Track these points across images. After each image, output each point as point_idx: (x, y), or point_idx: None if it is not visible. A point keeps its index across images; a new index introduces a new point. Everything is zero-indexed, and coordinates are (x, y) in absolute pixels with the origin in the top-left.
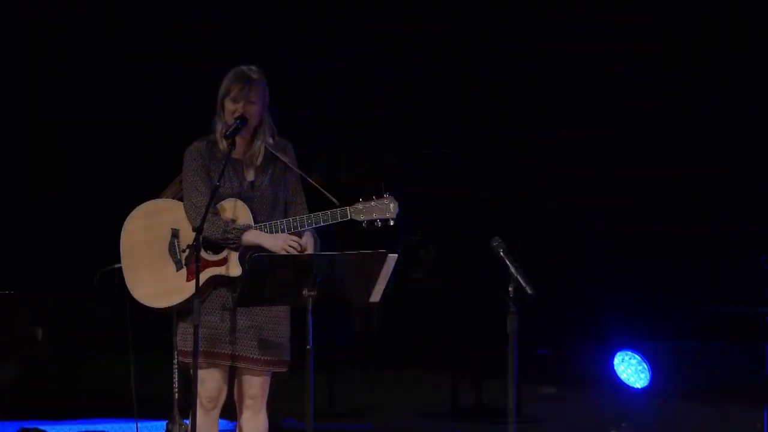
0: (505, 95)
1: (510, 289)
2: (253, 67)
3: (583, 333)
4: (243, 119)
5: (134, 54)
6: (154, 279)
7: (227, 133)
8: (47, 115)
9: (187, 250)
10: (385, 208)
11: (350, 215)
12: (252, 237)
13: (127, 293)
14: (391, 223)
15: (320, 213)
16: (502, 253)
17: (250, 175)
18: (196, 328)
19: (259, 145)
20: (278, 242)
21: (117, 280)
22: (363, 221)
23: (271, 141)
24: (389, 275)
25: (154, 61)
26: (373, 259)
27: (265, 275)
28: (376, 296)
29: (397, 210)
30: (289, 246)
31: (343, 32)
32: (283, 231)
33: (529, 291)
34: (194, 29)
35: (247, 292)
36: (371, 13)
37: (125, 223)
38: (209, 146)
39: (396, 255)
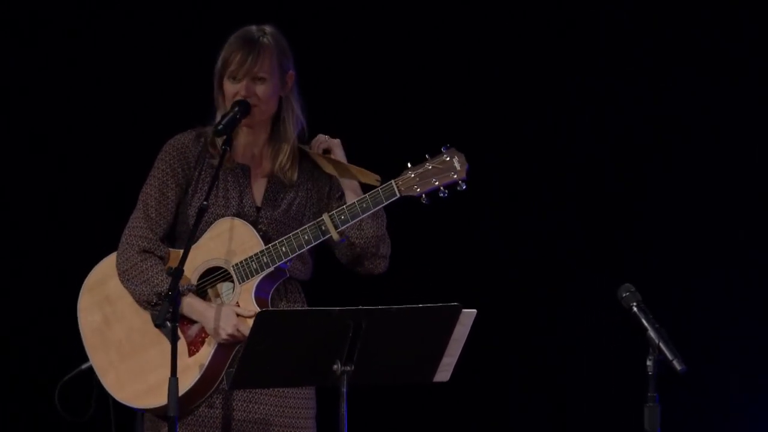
0: None
1: (648, 363)
2: (267, 28)
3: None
4: (244, 105)
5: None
6: (140, 367)
7: (219, 128)
8: None
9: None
10: (448, 167)
11: (399, 191)
12: (189, 307)
13: (108, 398)
14: (463, 186)
15: (355, 202)
16: (635, 309)
17: (260, 193)
18: (172, 420)
19: (285, 149)
20: (211, 324)
21: (95, 385)
22: (421, 195)
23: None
24: (464, 342)
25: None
26: (440, 316)
27: (275, 340)
28: (444, 373)
29: (466, 166)
30: (232, 332)
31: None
32: (307, 239)
33: (678, 366)
34: None
35: (246, 368)
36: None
37: (79, 300)
38: (202, 143)
39: (474, 311)
